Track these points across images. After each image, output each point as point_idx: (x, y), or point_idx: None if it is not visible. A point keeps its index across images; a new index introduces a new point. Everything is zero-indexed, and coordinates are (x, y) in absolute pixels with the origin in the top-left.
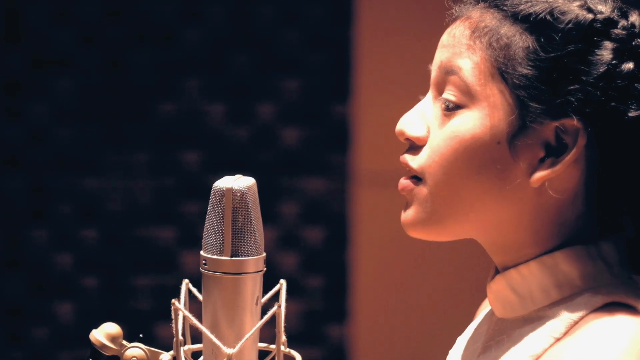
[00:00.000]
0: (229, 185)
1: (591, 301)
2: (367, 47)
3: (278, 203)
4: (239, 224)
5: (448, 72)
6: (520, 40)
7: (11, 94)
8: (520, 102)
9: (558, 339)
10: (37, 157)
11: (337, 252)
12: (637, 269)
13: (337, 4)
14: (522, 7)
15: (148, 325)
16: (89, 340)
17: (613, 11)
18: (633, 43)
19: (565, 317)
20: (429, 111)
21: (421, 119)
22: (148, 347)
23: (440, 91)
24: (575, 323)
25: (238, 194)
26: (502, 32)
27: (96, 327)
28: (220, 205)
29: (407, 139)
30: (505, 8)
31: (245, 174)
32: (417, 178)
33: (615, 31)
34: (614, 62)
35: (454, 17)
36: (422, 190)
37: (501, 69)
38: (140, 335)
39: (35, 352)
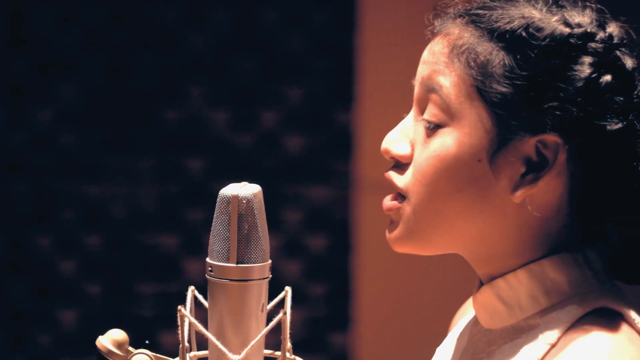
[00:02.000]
0: (235, 193)
1: (581, 307)
2: (371, 54)
3: (281, 210)
4: (245, 231)
5: (429, 89)
6: (497, 58)
7: (15, 98)
8: (499, 120)
9: (553, 345)
10: (41, 162)
11: (341, 259)
12: (619, 275)
13: (341, 10)
14: (498, 24)
15: (151, 331)
16: (92, 346)
17: (591, 23)
18: (611, 55)
19: (557, 324)
20: (413, 128)
21: (405, 137)
22: (154, 354)
23: (422, 108)
24: (568, 329)
25: (244, 201)
26: (479, 50)
27: (100, 333)
28: (226, 212)
29: (392, 157)
30: (482, 25)
31: (248, 180)
32: (401, 196)
33: (593, 45)
34: (592, 76)
35: (435, 31)
36: (406, 208)
37: (479, 87)
38: (147, 342)
39: (39, 358)
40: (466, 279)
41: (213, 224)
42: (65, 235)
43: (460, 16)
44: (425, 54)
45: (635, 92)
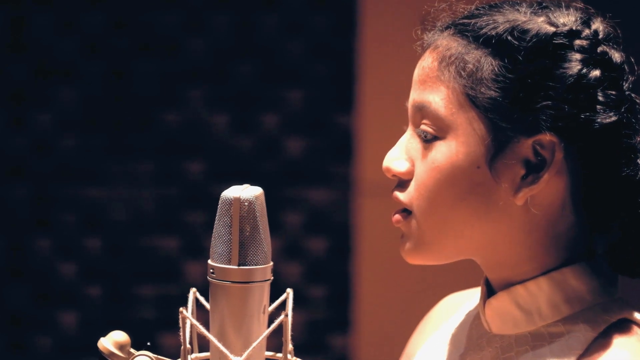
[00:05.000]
0: (237, 195)
1: (605, 318)
2: (370, 58)
3: (282, 213)
4: (247, 233)
5: (421, 108)
6: (485, 64)
7: (15, 103)
8: (493, 125)
9: (581, 355)
10: (41, 167)
11: (341, 262)
12: (623, 269)
13: (341, 14)
14: (484, 30)
15: (151, 334)
16: (93, 349)
17: (576, 21)
18: (598, 50)
19: (584, 334)
20: (411, 145)
21: (404, 154)
22: (156, 355)
23: (417, 124)
24: (595, 340)
25: (246, 203)
26: (467, 58)
27: (100, 336)
28: (228, 214)
29: (394, 175)
30: (467, 34)
31: (249, 184)
32: (406, 211)
33: (579, 42)
34: (581, 73)
35: (424, 45)
36: (412, 222)
37: (470, 95)
38: (148, 344)
39: None
40: (466, 281)
41: (215, 226)
42: (65, 238)
43: (447, 28)
44: (416, 73)
45: (626, 85)
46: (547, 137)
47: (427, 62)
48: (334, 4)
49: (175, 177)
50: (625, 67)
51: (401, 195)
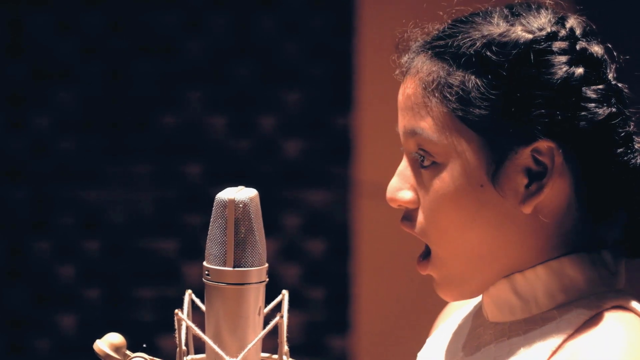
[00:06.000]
0: (231, 197)
1: (599, 304)
2: (368, 59)
3: (280, 215)
4: (242, 235)
5: (413, 135)
6: (470, 84)
7: (13, 105)
8: (489, 141)
9: (570, 336)
10: (39, 168)
11: (339, 264)
12: (634, 253)
13: (338, 15)
14: (462, 49)
15: (150, 336)
16: (91, 351)
17: (550, 22)
18: (577, 48)
19: (576, 317)
20: (410, 172)
21: (406, 182)
22: (152, 357)
23: (412, 151)
24: (585, 322)
25: (240, 205)
26: (451, 81)
27: (99, 338)
28: (222, 216)
29: (400, 205)
30: (447, 56)
31: (247, 185)
32: (426, 255)
33: (558, 44)
34: (565, 75)
35: (403, 70)
36: (435, 260)
37: (461, 116)
38: (144, 346)
39: None
40: None
41: (210, 228)
42: (63, 240)
43: (423, 50)
44: (401, 100)
45: (610, 74)
46: (544, 144)
47: (410, 89)
48: (332, 5)
49: (173, 178)
50: (607, 57)
51: (412, 227)
